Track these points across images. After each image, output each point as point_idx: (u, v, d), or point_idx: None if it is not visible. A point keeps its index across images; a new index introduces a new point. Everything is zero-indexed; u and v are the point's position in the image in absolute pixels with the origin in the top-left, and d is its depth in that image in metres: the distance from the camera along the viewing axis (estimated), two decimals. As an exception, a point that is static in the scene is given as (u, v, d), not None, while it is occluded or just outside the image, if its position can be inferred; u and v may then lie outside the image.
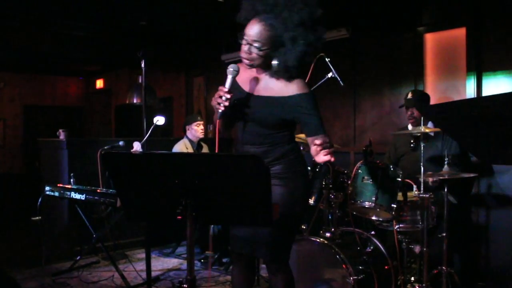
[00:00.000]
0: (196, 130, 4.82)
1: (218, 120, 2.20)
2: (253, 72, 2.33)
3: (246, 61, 2.24)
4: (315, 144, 2.09)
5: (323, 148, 2.08)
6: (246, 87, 2.33)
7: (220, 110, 2.18)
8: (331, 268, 3.03)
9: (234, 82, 2.30)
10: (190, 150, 4.77)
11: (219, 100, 2.17)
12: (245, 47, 2.22)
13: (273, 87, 2.27)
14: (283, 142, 2.32)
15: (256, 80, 2.32)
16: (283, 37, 2.17)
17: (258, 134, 2.29)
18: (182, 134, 5.12)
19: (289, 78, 2.24)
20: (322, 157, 2.10)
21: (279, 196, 2.23)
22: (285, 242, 2.34)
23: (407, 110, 3.82)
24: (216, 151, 2.23)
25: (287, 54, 2.18)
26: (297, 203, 2.32)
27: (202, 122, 4.89)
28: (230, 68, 2.22)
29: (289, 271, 2.38)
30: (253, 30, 2.18)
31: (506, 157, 1.57)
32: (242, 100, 2.29)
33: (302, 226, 3.51)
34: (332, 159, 2.09)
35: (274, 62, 2.22)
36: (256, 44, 2.19)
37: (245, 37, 2.21)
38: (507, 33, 3.92)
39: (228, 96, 2.17)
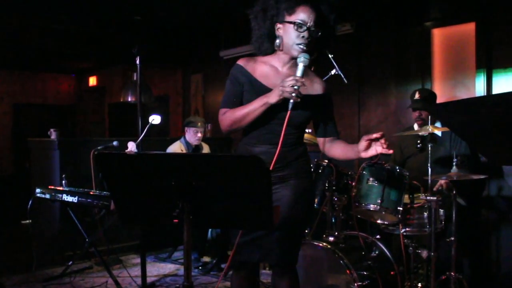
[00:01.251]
0: (193, 136, 4.79)
1: (289, 111, 2.11)
2: (267, 66, 2.34)
3: (305, 48, 2.21)
4: (371, 139, 2.12)
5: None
6: (267, 82, 2.29)
7: (292, 101, 2.09)
8: (335, 274, 3.03)
9: (250, 77, 2.30)
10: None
11: (293, 90, 2.07)
12: (305, 34, 2.20)
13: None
14: (299, 143, 2.36)
15: (278, 74, 2.31)
16: (329, 19, 2.26)
17: (280, 134, 2.18)
18: (179, 134, 5.12)
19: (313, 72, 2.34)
20: (372, 151, 2.14)
21: (292, 197, 2.28)
22: (296, 245, 2.37)
23: (414, 111, 3.83)
24: (279, 146, 2.13)
25: (329, 35, 2.28)
26: (310, 204, 2.41)
27: (201, 130, 4.84)
28: (302, 57, 2.17)
29: (296, 275, 2.40)
30: (313, 15, 2.21)
31: (517, 157, 1.57)
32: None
33: (305, 230, 3.52)
34: (391, 151, 2.14)
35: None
36: (314, 29, 2.21)
37: (300, 23, 2.20)
38: (518, 28, 3.92)
39: (299, 84, 2.09)
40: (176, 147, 4.79)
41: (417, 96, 3.81)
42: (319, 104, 2.32)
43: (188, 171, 1.71)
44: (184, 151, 4.75)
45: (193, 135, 4.78)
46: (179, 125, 7.46)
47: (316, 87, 2.33)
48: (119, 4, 5.43)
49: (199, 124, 4.80)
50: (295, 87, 2.07)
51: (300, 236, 2.41)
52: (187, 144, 4.81)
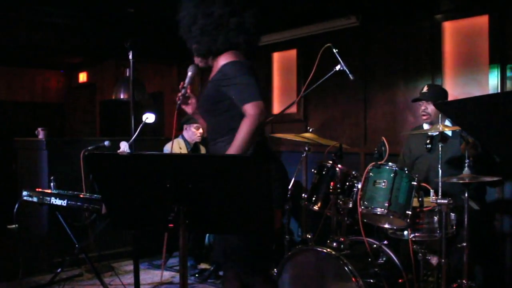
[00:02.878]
0: (194, 132, 4.81)
1: (176, 111, 2.67)
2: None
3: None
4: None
5: None
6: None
7: (178, 102, 2.65)
8: (339, 282, 3.03)
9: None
10: (184, 151, 4.77)
11: (179, 94, 2.64)
12: None
13: (213, 71, 2.60)
14: (229, 139, 2.43)
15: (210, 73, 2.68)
16: (187, 17, 2.59)
17: (210, 127, 2.67)
18: (174, 133, 5.10)
19: (215, 55, 2.58)
20: None
21: None
22: (234, 247, 2.45)
23: (418, 101, 3.83)
24: (172, 140, 2.98)
25: (194, 33, 2.57)
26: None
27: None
28: (190, 67, 2.69)
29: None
30: None
31: (532, 158, 1.57)
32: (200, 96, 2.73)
33: (307, 235, 3.52)
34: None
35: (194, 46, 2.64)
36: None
37: None
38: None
39: (183, 91, 2.63)
40: (174, 145, 4.80)
41: (425, 89, 3.81)
42: (217, 80, 2.52)
43: (183, 173, 1.71)
44: (183, 149, 4.77)
45: (194, 132, 4.81)
46: (174, 124, 7.46)
47: (219, 64, 2.55)
48: (111, -5, 5.43)
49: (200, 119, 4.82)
50: (182, 91, 2.63)
51: (246, 241, 2.45)
52: (186, 142, 4.84)
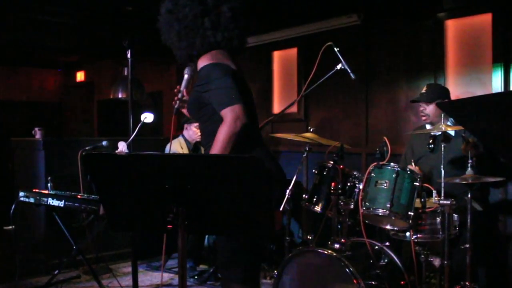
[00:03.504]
0: (195, 132, 4.82)
1: (173, 116, 2.63)
2: None
3: None
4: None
5: None
6: None
7: (175, 106, 2.62)
8: (341, 283, 3.03)
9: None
10: (186, 151, 4.78)
11: (176, 98, 2.61)
12: None
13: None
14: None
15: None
16: (164, 25, 2.62)
17: (201, 132, 2.69)
18: (173, 133, 5.12)
19: (197, 58, 2.55)
20: None
21: None
22: (234, 258, 2.44)
23: (420, 105, 3.84)
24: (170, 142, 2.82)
25: (173, 40, 2.56)
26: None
27: None
28: (186, 69, 2.62)
29: None
30: None
31: (536, 158, 1.57)
32: None
33: (308, 237, 3.52)
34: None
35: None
36: None
37: None
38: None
39: (180, 94, 2.60)
40: (176, 146, 4.81)
41: (424, 89, 3.82)
42: (197, 85, 2.50)
43: (183, 173, 1.71)
44: (184, 149, 4.78)
45: (194, 132, 4.82)
46: (172, 128, 7.45)
47: (199, 68, 2.53)
48: (109, -7, 5.43)
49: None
50: (179, 95, 2.60)
51: (241, 251, 2.44)
52: (187, 142, 4.85)
